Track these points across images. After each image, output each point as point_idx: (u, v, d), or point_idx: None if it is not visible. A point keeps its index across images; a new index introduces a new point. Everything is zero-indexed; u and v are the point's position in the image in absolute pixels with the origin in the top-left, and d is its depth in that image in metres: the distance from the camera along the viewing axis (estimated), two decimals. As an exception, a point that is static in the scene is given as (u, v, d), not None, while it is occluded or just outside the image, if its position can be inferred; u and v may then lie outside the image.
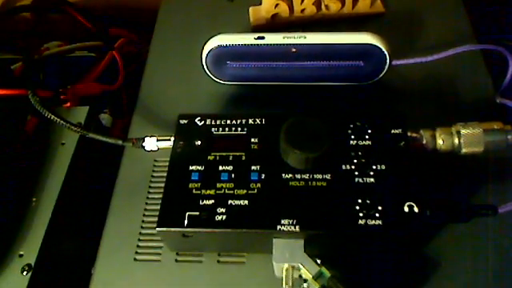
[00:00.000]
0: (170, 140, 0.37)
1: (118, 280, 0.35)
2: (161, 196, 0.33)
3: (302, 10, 0.49)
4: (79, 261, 0.38)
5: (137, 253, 0.36)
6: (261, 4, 0.50)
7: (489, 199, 0.34)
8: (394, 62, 0.41)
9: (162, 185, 0.33)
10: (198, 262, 0.35)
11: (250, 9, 0.51)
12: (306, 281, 0.30)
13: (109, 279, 0.35)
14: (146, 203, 0.38)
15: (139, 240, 0.37)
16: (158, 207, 0.32)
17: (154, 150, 0.38)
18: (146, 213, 0.38)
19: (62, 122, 0.38)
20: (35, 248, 0.37)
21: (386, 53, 0.40)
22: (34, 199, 0.40)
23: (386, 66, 0.41)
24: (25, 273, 0.36)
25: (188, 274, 0.35)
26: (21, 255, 0.37)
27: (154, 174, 0.40)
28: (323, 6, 0.49)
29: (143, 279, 0.35)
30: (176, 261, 0.35)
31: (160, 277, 0.35)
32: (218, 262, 0.35)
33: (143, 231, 0.37)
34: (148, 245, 0.36)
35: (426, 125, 0.36)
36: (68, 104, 0.47)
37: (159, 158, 0.40)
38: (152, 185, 0.39)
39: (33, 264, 0.36)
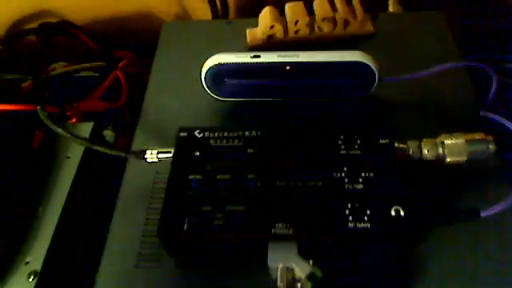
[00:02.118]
0: (170, 152, 0.39)
1: (119, 286, 0.36)
2: (161, 206, 0.35)
3: (296, 32, 0.52)
4: (83, 268, 0.40)
5: (138, 260, 0.38)
6: (257, 26, 0.53)
7: (472, 204, 0.35)
8: (384, 79, 0.44)
9: (163, 195, 0.35)
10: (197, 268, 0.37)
11: (247, 30, 0.54)
12: (299, 281, 0.31)
13: (111, 285, 0.37)
14: (148, 213, 0.40)
15: (141, 247, 0.38)
16: (159, 216, 0.34)
17: (155, 161, 0.40)
18: (148, 222, 0.39)
19: (68, 135, 0.41)
20: (41, 255, 0.39)
21: (374, 69, 0.42)
22: (40, 209, 0.42)
23: (375, 82, 0.43)
24: (31, 279, 0.37)
25: (188, 279, 0.36)
26: (27, 262, 0.38)
27: (156, 186, 0.42)
28: (316, 28, 0.52)
29: (144, 285, 0.36)
30: (176, 267, 0.37)
31: (160, 282, 0.36)
32: (217, 266, 0.36)
33: (144, 239, 0.39)
34: (149, 252, 0.38)
35: (413, 137, 0.38)
36: (73, 120, 0.49)
37: (160, 170, 0.42)
38: (153, 195, 0.41)
39: (39, 270, 0.38)
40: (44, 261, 0.38)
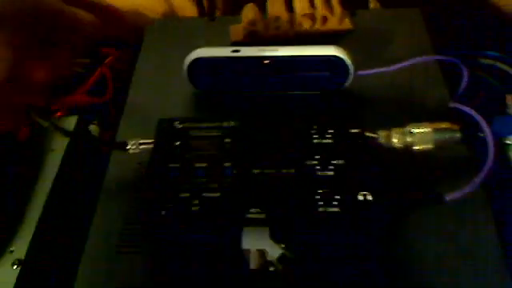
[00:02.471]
0: (151, 143, 0.40)
1: (101, 271, 0.38)
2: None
3: (277, 28, 0.54)
4: (67, 257, 0.41)
5: (120, 246, 0.39)
6: (240, 23, 0.55)
7: (438, 189, 0.37)
8: (359, 72, 0.45)
9: (145, 184, 0.37)
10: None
11: (230, 27, 0.56)
12: (271, 263, 0.33)
13: (93, 270, 0.38)
14: (130, 201, 0.41)
15: (123, 234, 0.39)
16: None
17: (136, 152, 0.41)
18: (130, 210, 0.41)
19: (52, 127, 0.42)
20: (25, 244, 0.40)
21: (349, 63, 0.44)
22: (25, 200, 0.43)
23: (351, 76, 0.45)
24: (15, 266, 0.38)
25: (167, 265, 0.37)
26: (11, 251, 0.40)
27: (138, 176, 0.43)
28: (296, 24, 0.54)
29: (126, 270, 0.37)
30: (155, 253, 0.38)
31: (141, 266, 0.37)
32: (195, 252, 0.38)
33: (126, 227, 0.40)
34: (131, 238, 0.39)
35: (385, 127, 0.39)
36: (58, 113, 0.50)
37: (142, 161, 0.43)
38: (136, 185, 0.42)
39: (23, 259, 0.39)
40: (28, 249, 0.40)
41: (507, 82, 0.56)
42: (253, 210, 0.34)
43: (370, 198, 0.33)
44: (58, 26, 0.29)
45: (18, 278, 0.38)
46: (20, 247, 0.40)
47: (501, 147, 0.45)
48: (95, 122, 0.56)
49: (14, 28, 0.27)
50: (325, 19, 0.53)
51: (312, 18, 0.53)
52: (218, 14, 0.73)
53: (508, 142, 0.45)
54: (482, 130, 0.37)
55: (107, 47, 0.67)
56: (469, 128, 0.38)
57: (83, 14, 0.31)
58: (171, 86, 0.51)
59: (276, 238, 0.33)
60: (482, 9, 0.66)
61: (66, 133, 0.42)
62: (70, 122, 0.49)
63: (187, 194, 0.35)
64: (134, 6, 0.75)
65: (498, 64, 0.59)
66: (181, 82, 0.47)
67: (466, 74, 0.46)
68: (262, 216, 0.33)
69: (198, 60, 0.45)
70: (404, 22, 0.55)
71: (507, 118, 0.38)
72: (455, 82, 0.48)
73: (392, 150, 0.38)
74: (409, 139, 0.38)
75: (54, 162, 0.46)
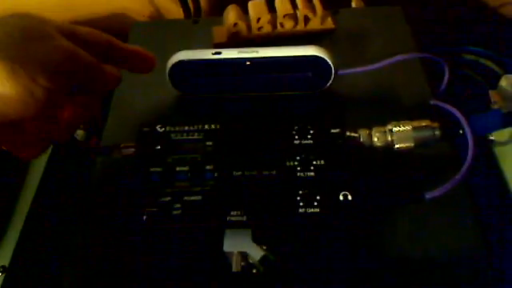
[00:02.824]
0: (133, 147, 0.40)
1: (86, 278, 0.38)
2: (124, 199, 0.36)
3: (259, 29, 0.54)
4: (52, 263, 0.41)
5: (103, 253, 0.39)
6: (223, 24, 0.55)
7: (419, 187, 0.37)
8: (339, 72, 0.45)
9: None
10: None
11: (213, 28, 0.56)
12: (253, 265, 0.33)
13: (78, 276, 0.38)
14: (113, 205, 0.41)
15: (105, 241, 0.39)
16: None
17: (118, 157, 0.41)
18: (113, 216, 0.41)
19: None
20: (9, 251, 0.40)
21: (330, 63, 0.44)
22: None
23: (332, 76, 0.45)
24: (-1, 274, 0.39)
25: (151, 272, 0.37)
26: (-5, 258, 0.40)
27: (121, 181, 0.43)
28: (278, 25, 0.54)
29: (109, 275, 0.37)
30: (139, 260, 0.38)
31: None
32: (178, 256, 0.38)
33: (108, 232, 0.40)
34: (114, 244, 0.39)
35: (366, 126, 0.40)
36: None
37: (125, 166, 0.43)
38: (118, 190, 0.42)
39: (7, 266, 0.39)
40: (12, 256, 0.40)
41: (490, 77, 0.57)
42: (234, 213, 0.34)
43: (350, 197, 0.34)
44: (92, 77, 0.33)
45: (2, 286, 0.38)
46: (4, 254, 0.40)
47: (485, 144, 0.45)
48: (81, 126, 0.56)
49: (52, 73, 0.30)
50: (307, 19, 0.53)
51: (294, 18, 0.53)
52: (203, 15, 0.73)
53: (492, 138, 0.45)
54: (461, 127, 0.38)
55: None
56: (450, 125, 0.38)
57: (111, 69, 0.36)
58: (155, 88, 0.51)
59: (258, 240, 0.33)
60: (463, 4, 0.67)
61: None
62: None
63: (168, 198, 0.35)
64: (120, 9, 0.75)
65: (481, 60, 0.59)
66: (164, 85, 0.47)
67: (446, 71, 0.46)
68: (244, 218, 0.33)
69: (179, 63, 0.45)
70: (387, 20, 0.55)
71: (484, 116, 0.39)
72: (437, 77, 0.48)
73: (373, 149, 0.38)
74: (389, 138, 0.38)
75: (38, 167, 0.46)
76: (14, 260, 0.39)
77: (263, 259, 0.32)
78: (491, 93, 0.50)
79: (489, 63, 0.58)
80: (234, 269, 0.33)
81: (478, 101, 0.54)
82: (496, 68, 0.57)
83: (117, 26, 0.74)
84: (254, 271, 0.33)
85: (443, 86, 0.46)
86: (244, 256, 0.33)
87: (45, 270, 0.42)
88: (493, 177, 0.44)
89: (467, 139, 0.37)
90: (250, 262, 0.33)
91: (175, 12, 0.74)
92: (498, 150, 0.45)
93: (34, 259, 0.42)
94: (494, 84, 0.54)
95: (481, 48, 0.60)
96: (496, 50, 0.59)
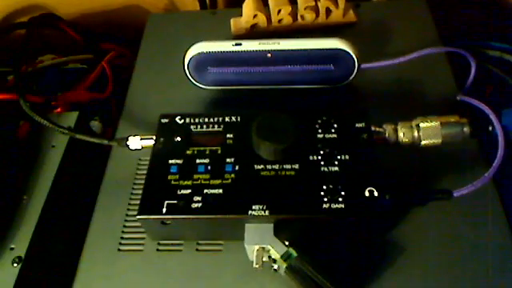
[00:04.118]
0: (152, 138, 0.39)
1: (102, 269, 0.37)
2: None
3: (279, 21, 0.53)
4: (67, 254, 0.41)
5: (120, 244, 0.38)
6: (241, 16, 0.54)
7: (446, 185, 0.36)
8: (362, 66, 0.44)
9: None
10: (177, 251, 0.37)
11: (232, 20, 0.55)
12: (275, 261, 0.32)
13: (93, 268, 0.37)
14: (130, 198, 0.41)
15: (123, 232, 0.39)
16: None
17: (138, 148, 0.40)
18: (130, 207, 0.40)
19: (50, 124, 0.41)
20: (25, 242, 0.39)
21: (353, 56, 0.43)
22: (25, 197, 0.42)
23: (355, 69, 0.44)
24: (15, 264, 0.38)
25: (168, 262, 0.37)
26: (12, 248, 0.39)
27: (138, 172, 0.42)
28: (299, 17, 0.53)
29: (126, 268, 0.37)
30: (157, 250, 0.37)
31: (142, 265, 0.37)
32: (197, 250, 0.37)
33: (127, 224, 0.39)
34: (131, 236, 0.38)
35: (391, 121, 0.38)
36: (59, 109, 0.49)
37: (143, 158, 0.43)
38: (136, 181, 0.42)
39: (23, 256, 0.38)
40: (28, 247, 0.39)
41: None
42: (256, 207, 0.33)
43: (376, 194, 0.33)
44: None
45: (19, 276, 0.37)
46: (20, 245, 0.39)
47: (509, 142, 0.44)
48: (97, 118, 0.55)
49: None
50: (328, 12, 0.52)
51: (315, 10, 0.52)
52: (219, 6, 0.72)
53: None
54: (491, 124, 0.36)
55: (108, 43, 0.66)
56: (478, 122, 0.37)
57: None
58: (172, 80, 0.50)
59: (280, 235, 0.32)
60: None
61: (62, 128, 0.41)
62: (71, 118, 0.48)
63: (188, 191, 0.34)
64: (135, 1, 0.74)
65: (505, 56, 0.57)
66: (181, 77, 0.46)
67: (473, 65, 0.45)
68: (266, 213, 0.33)
69: (198, 55, 0.44)
70: (409, 14, 0.54)
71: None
72: (461, 74, 0.47)
73: (399, 144, 0.37)
74: (416, 134, 0.36)
75: (54, 158, 0.45)
76: (31, 250, 0.39)
77: (286, 256, 0.31)
78: (516, 90, 0.48)
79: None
80: (255, 264, 0.32)
81: (502, 98, 0.53)
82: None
83: (131, 18, 0.73)
84: (276, 267, 0.32)
85: (470, 82, 0.45)
86: (266, 252, 0.32)
87: (61, 260, 0.42)
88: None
89: (497, 136, 0.36)
90: (272, 257, 0.32)
91: (190, 4, 0.73)
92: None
93: (50, 250, 0.42)
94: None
95: (505, 44, 0.59)
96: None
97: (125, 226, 0.39)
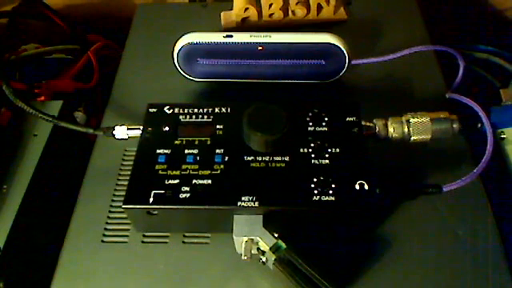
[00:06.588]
0: (139, 129, 0.38)
1: (84, 260, 0.36)
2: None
3: (270, 15, 0.52)
4: (48, 245, 0.39)
5: (104, 235, 0.37)
6: (232, 9, 0.53)
7: (435, 180, 0.36)
8: (353, 61, 0.44)
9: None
10: (163, 243, 0.36)
11: (222, 13, 0.54)
12: (264, 253, 0.32)
13: (75, 259, 0.36)
14: (115, 189, 0.40)
15: (107, 223, 0.38)
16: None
17: (124, 138, 0.39)
18: (115, 198, 0.39)
19: (33, 111, 0.40)
20: (4, 233, 0.38)
21: (344, 51, 0.43)
22: (4, 186, 0.41)
23: (346, 65, 0.44)
24: (-7, 255, 0.37)
25: (153, 255, 0.36)
26: (-10, 239, 0.38)
27: (124, 163, 0.41)
28: (290, 12, 0.52)
29: (110, 260, 0.36)
30: (142, 242, 0.37)
31: (126, 257, 0.36)
32: (183, 242, 0.36)
33: (111, 215, 0.38)
34: (115, 227, 0.38)
35: (381, 117, 0.38)
36: (42, 98, 0.48)
37: (129, 148, 0.42)
38: (121, 172, 0.41)
39: (1, 247, 0.37)
40: (7, 238, 0.38)
41: (501, 76, 0.56)
42: (245, 198, 0.32)
43: (366, 187, 0.32)
44: None
45: (-4, 267, 0.36)
46: (-1, 234, 0.38)
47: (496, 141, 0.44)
48: (81, 108, 0.54)
49: None
50: (319, 8, 0.52)
51: (306, 6, 0.51)
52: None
53: (503, 135, 0.44)
54: (480, 121, 0.37)
55: (95, 34, 0.65)
56: (467, 119, 0.37)
57: None
58: (160, 72, 0.49)
59: (269, 227, 0.32)
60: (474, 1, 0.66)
61: (47, 116, 0.40)
62: (55, 107, 0.47)
63: (176, 181, 0.34)
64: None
65: (492, 58, 0.58)
66: (170, 69, 0.45)
67: (462, 64, 0.45)
68: (256, 204, 0.32)
69: (188, 45, 0.44)
70: (400, 12, 0.54)
71: (505, 109, 0.38)
72: (449, 74, 0.47)
73: (389, 139, 0.37)
74: (406, 129, 0.36)
75: (36, 148, 0.44)
76: (9, 241, 0.38)
77: (275, 248, 0.31)
78: (502, 91, 0.49)
79: (501, 62, 0.57)
80: (244, 256, 0.31)
81: (488, 99, 0.54)
82: (509, 66, 0.56)
83: (120, 8, 0.72)
84: (264, 259, 0.32)
85: (459, 79, 0.45)
86: (255, 243, 0.32)
87: (41, 252, 0.40)
88: (505, 175, 0.43)
89: (486, 133, 0.36)
90: (261, 249, 0.32)
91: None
92: (509, 149, 0.44)
93: (30, 240, 0.40)
94: (505, 83, 0.53)
95: (491, 47, 0.59)
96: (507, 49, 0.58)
97: (109, 217, 0.38)
